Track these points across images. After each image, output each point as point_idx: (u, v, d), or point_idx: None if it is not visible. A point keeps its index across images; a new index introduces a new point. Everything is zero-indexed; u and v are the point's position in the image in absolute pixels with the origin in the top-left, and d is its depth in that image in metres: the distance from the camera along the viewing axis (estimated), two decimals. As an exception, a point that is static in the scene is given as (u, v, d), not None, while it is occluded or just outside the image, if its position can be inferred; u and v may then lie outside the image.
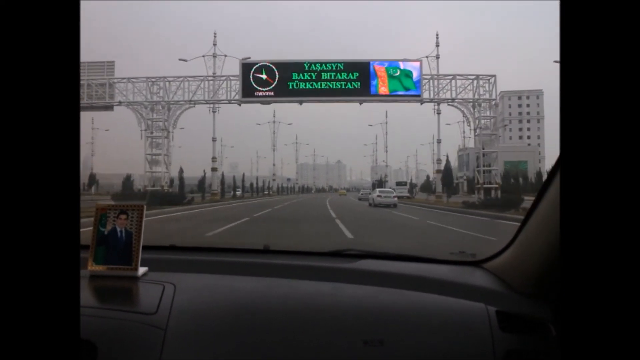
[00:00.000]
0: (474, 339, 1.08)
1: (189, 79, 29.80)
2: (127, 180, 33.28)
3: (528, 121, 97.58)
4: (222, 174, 41.19)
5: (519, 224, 1.26)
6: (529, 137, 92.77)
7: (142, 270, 1.28)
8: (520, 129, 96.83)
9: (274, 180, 67.37)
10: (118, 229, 1.29)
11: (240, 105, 29.72)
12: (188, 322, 1.05)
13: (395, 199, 26.54)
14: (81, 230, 0.89)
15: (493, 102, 28.93)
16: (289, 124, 62.15)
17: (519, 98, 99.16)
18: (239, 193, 48.58)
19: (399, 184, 56.03)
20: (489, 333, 1.08)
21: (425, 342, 1.07)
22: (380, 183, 62.50)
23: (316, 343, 1.05)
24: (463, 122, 30.02)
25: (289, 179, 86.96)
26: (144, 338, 0.99)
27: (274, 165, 63.60)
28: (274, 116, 57.58)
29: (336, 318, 1.11)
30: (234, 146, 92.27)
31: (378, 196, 26.48)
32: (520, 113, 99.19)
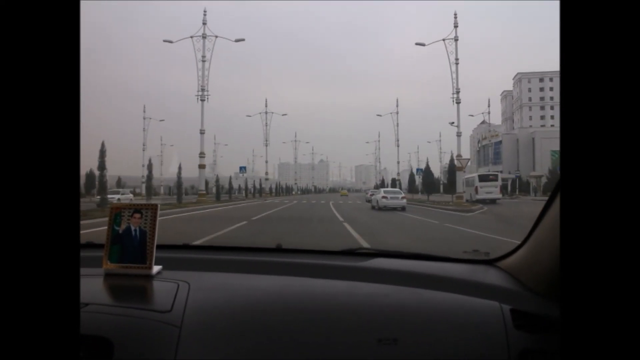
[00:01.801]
0: (489, 338, 1.07)
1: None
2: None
3: (552, 107, 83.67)
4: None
5: None
6: (552, 126, 78.63)
7: (156, 268, 1.30)
8: (543, 117, 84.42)
9: (202, 166, 29.90)
10: (132, 228, 1.31)
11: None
12: (203, 320, 1.06)
13: (404, 200, 23.24)
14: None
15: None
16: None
17: (541, 80, 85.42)
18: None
19: (483, 178, 32.75)
20: (504, 331, 1.08)
21: (440, 341, 1.06)
22: (427, 183, 40.41)
23: (330, 341, 1.05)
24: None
25: (242, 168, 40.90)
26: (159, 336, 1.00)
27: (201, 133, 29.14)
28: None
29: (350, 316, 1.11)
30: (164, 119, 60.96)
31: (383, 197, 23.16)
32: (542, 98, 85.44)
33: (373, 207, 24.25)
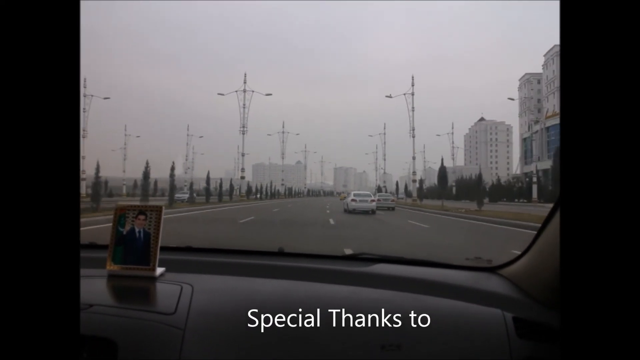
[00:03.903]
0: (491, 346, 1.07)
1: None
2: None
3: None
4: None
5: None
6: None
7: (159, 270, 1.30)
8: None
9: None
10: (136, 230, 1.31)
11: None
12: (206, 322, 1.06)
13: (373, 203, 24.21)
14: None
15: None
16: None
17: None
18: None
19: None
20: (506, 340, 1.07)
21: (443, 348, 1.06)
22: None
23: (333, 347, 1.05)
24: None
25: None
26: (163, 338, 1.00)
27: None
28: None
29: (353, 322, 1.10)
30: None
31: (353, 200, 24.10)
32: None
33: (345, 210, 24.82)
